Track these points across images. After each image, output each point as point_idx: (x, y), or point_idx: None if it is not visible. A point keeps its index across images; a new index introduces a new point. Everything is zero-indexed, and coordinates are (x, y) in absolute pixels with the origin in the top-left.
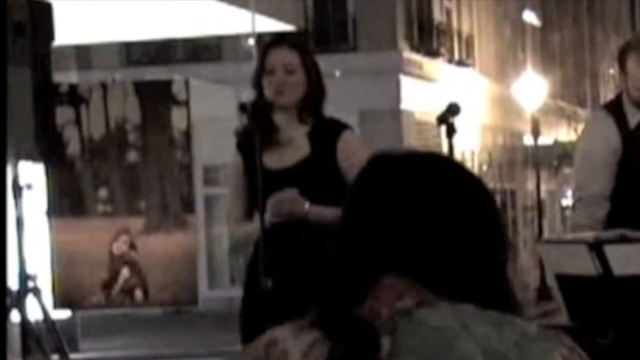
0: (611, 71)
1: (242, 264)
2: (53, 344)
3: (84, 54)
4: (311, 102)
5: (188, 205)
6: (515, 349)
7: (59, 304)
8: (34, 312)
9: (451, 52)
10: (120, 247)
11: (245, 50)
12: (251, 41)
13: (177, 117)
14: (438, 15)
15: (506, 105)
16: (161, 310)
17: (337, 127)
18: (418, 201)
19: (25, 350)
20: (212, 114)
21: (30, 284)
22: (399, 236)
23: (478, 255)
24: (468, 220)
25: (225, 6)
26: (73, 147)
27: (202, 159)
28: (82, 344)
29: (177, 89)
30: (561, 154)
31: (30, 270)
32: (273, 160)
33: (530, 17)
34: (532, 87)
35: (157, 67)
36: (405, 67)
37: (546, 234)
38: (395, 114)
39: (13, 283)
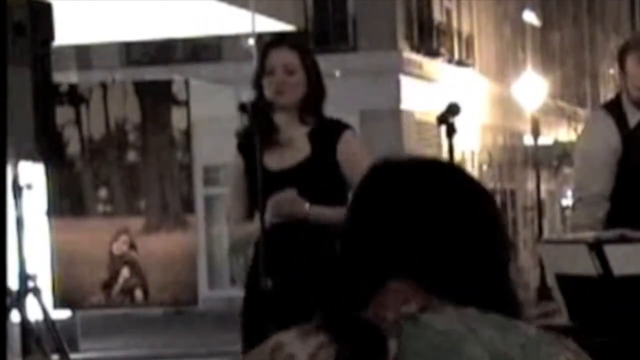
0: (611, 71)
1: (242, 264)
2: (53, 344)
3: (84, 54)
4: (311, 102)
5: (188, 205)
6: (521, 352)
7: (59, 304)
8: (34, 312)
9: (451, 52)
10: (120, 247)
11: (245, 50)
12: (251, 41)
13: (177, 117)
14: (438, 15)
15: (506, 105)
16: (161, 310)
17: (338, 128)
18: (421, 206)
19: (25, 350)
20: (212, 114)
21: (30, 284)
22: (403, 241)
23: (481, 258)
24: (470, 224)
25: (225, 6)
26: (73, 147)
27: (202, 159)
28: (82, 344)
29: (177, 89)
30: (561, 154)
31: (30, 270)
32: (273, 160)
33: (530, 17)
34: (532, 87)
35: (157, 67)
36: (405, 67)
37: (546, 234)
38: (395, 114)
39: (13, 283)
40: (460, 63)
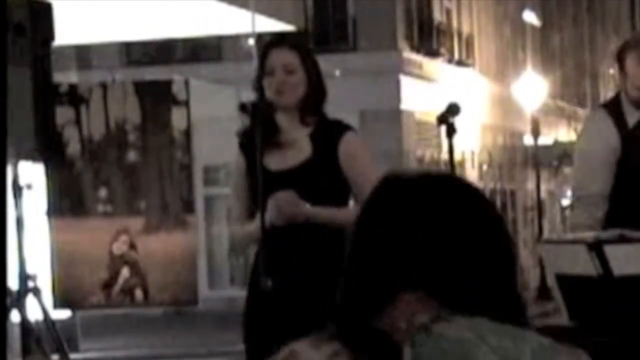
0: (611, 71)
1: (242, 264)
2: (53, 344)
3: (84, 54)
4: (312, 103)
5: (188, 205)
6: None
7: (59, 304)
8: (34, 312)
9: (451, 52)
10: (120, 247)
11: (245, 50)
12: (251, 41)
13: (177, 117)
14: (438, 15)
15: (506, 105)
16: (161, 310)
17: (340, 129)
18: (431, 219)
19: (25, 350)
20: (212, 114)
21: (30, 284)
22: (414, 253)
23: (489, 270)
24: (478, 236)
25: (225, 6)
26: (73, 147)
27: (202, 159)
28: (82, 344)
29: (177, 89)
30: (561, 154)
31: (30, 270)
32: (275, 161)
33: (530, 17)
34: (532, 87)
35: (157, 67)
36: (405, 67)
37: (546, 234)
38: (395, 114)
39: (13, 283)
40: (460, 63)
